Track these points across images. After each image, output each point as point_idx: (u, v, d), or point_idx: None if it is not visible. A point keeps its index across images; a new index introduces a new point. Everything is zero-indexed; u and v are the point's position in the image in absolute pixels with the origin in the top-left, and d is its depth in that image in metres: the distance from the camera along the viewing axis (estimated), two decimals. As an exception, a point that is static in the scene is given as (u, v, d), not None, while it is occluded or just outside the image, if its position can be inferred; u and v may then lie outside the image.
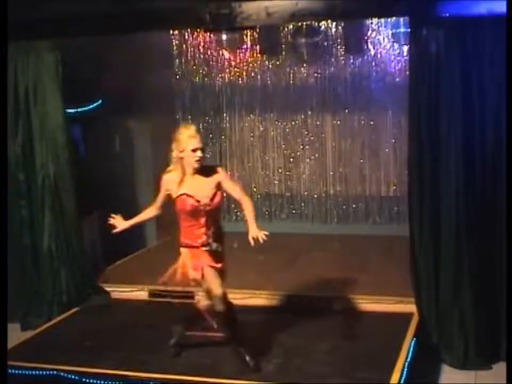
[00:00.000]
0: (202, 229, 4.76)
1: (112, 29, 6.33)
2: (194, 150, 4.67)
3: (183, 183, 4.76)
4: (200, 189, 4.72)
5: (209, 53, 8.93)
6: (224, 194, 4.91)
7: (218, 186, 4.75)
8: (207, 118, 9.11)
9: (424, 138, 5.53)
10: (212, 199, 4.71)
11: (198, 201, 4.69)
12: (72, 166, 6.66)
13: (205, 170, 4.77)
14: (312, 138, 8.82)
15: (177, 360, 5.04)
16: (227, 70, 8.93)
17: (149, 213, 5.06)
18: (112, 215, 4.90)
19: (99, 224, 8.73)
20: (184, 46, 8.96)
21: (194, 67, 9.01)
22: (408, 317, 5.69)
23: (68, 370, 4.92)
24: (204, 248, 4.77)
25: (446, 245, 5.54)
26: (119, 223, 4.91)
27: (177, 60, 9.01)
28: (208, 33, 8.59)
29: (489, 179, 5.44)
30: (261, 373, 4.77)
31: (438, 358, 5.55)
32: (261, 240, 4.47)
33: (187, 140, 4.69)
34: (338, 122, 8.72)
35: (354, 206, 8.78)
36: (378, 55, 8.36)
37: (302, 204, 8.99)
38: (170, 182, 4.83)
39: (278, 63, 8.74)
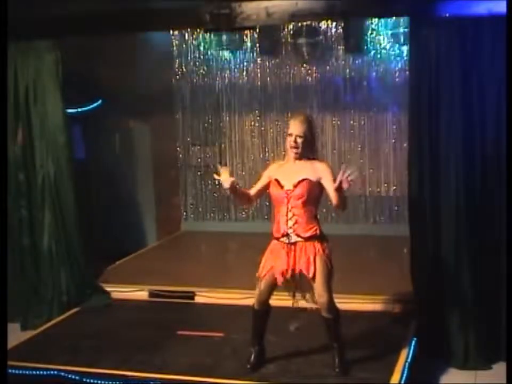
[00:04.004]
0: (283, 217, 4.63)
1: (112, 29, 6.33)
2: (290, 135, 4.64)
3: (281, 168, 4.72)
4: (291, 176, 4.62)
5: (209, 53, 8.93)
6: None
7: (315, 178, 4.59)
8: (207, 118, 9.11)
9: (424, 138, 5.53)
10: (295, 186, 4.58)
11: (282, 187, 4.62)
12: (72, 166, 6.66)
13: (310, 160, 4.66)
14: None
15: (177, 360, 5.03)
16: (227, 70, 8.94)
17: (248, 192, 4.86)
18: (218, 170, 4.61)
19: (99, 224, 8.76)
20: (184, 46, 8.97)
21: (194, 67, 9.01)
22: (408, 317, 5.69)
23: (68, 370, 4.91)
24: (283, 240, 4.63)
25: (446, 245, 5.54)
26: (225, 179, 4.56)
27: (177, 60, 9.01)
28: (208, 33, 8.60)
29: (489, 179, 5.44)
30: (261, 373, 4.76)
31: (438, 358, 5.55)
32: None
33: (290, 124, 4.69)
34: (338, 122, 8.72)
35: (354, 206, 8.78)
36: (378, 55, 8.36)
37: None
38: (273, 168, 4.79)
39: (278, 63, 8.74)
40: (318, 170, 4.62)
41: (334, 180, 4.45)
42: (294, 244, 4.61)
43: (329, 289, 4.59)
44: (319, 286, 4.57)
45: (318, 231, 4.62)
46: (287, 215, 4.61)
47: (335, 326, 4.74)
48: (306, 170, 4.62)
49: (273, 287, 4.71)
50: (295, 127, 4.64)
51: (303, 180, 4.57)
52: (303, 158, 4.65)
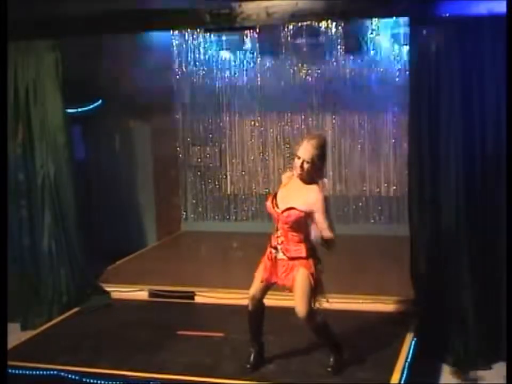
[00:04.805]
0: (275, 232, 4.67)
1: (112, 29, 6.33)
2: (298, 157, 4.52)
3: (286, 183, 4.70)
4: (285, 199, 4.59)
5: (209, 53, 8.93)
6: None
7: (305, 208, 4.51)
8: (207, 118, 9.11)
9: (424, 138, 5.53)
10: (283, 212, 4.55)
11: (277, 206, 4.59)
12: (72, 166, 6.66)
13: (309, 185, 4.57)
14: (312, 138, 8.82)
15: (177, 360, 5.03)
16: (227, 70, 8.94)
17: None
18: None
19: (99, 224, 8.76)
20: (184, 46, 8.97)
21: (194, 67, 9.01)
22: (408, 317, 5.69)
23: (68, 370, 4.91)
24: (273, 251, 4.67)
25: (446, 245, 5.54)
26: None
27: (177, 60, 9.01)
28: (208, 33, 8.60)
29: (489, 179, 5.44)
30: (261, 373, 4.76)
31: (438, 358, 5.55)
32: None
33: (302, 145, 4.53)
34: (338, 122, 8.72)
35: (354, 206, 8.78)
36: (378, 55, 8.36)
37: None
38: (283, 178, 4.78)
39: (278, 63, 8.74)
40: (311, 201, 4.49)
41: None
42: (281, 259, 4.65)
43: (307, 305, 4.56)
44: (297, 300, 4.58)
45: (303, 253, 4.59)
46: (277, 232, 4.65)
47: (318, 334, 4.77)
48: (300, 198, 4.54)
49: (265, 289, 4.75)
50: (305, 152, 4.49)
51: (291, 208, 4.54)
52: (306, 181, 4.57)
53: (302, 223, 4.56)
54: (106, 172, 9.06)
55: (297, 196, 4.55)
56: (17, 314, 6.49)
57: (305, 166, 4.49)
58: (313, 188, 4.54)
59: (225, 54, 8.85)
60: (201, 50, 8.95)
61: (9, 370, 4.76)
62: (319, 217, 4.46)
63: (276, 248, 4.65)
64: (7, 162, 6.17)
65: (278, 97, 8.80)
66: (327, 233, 4.44)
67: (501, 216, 5.37)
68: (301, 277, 4.56)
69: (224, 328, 5.57)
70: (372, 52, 8.35)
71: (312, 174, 4.54)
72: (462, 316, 5.52)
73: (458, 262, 5.50)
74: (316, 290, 4.61)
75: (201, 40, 8.89)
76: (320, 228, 4.47)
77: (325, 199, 4.51)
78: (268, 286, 4.75)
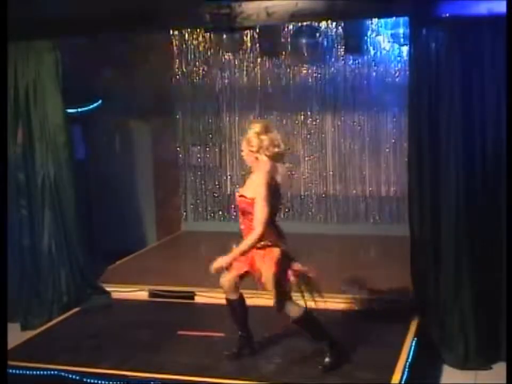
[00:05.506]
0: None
1: (112, 29, 6.33)
2: (241, 150, 4.76)
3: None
4: (245, 186, 4.75)
5: (209, 53, 8.93)
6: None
7: (252, 195, 4.61)
8: (207, 118, 9.11)
9: (424, 138, 5.53)
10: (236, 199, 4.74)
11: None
12: (72, 166, 6.66)
13: (257, 172, 4.68)
14: (312, 138, 8.83)
15: (177, 360, 5.03)
16: (227, 70, 8.93)
17: None
18: None
19: (99, 224, 8.76)
20: (184, 46, 8.96)
21: (194, 67, 9.01)
22: (408, 317, 5.69)
23: (68, 370, 4.91)
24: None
25: (446, 245, 5.54)
26: None
27: (177, 60, 9.01)
28: (208, 33, 8.59)
29: (489, 179, 5.44)
30: (261, 373, 4.77)
31: (438, 358, 5.55)
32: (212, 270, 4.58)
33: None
34: (339, 122, 8.72)
35: (354, 206, 8.78)
36: (378, 55, 8.36)
37: (302, 204, 8.98)
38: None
39: (278, 63, 8.74)
40: (255, 189, 4.58)
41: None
42: None
43: (277, 290, 4.57)
44: (267, 286, 4.59)
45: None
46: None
47: (301, 326, 4.78)
48: (251, 186, 4.66)
49: (237, 278, 4.81)
50: (245, 142, 4.70)
51: (241, 196, 4.66)
52: (255, 168, 4.68)
53: (246, 211, 4.64)
54: (106, 172, 9.06)
55: (249, 186, 4.68)
56: (17, 314, 6.49)
57: (246, 155, 4.67)
58: (258, 174, 4.62)
59: (225, 54, 8.85)
60: (201, 50, 8.96)
61: (9, 370, 4.74)
62: (257, 204, 4.52)
63: (241, 236, 4.72)
64: (7, 162, 6.18)
65: (278, 97, 8.80)
66: (256, 227, 4.48)
67: (501, 216, 5.37)
68: (265, 266, 4.58)
69: (224, 328, 5.56)
70: (372, 52, 8.35)
71: (256, 162, 4.65)
72: (462, 316, 5.52)
73: (458, 262, 5.50)
74: (281, 279, 4.59)
75: (201, 40, 8.89)
76: (254, 217, 4.52)
77: (270, 186, 4.55)
78: (241, 276, 4.80)
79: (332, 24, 8.28)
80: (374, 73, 8.42)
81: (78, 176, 6.85)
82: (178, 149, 9.20)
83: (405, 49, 7.79)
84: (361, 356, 4.99)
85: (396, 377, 4.65)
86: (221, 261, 4.62)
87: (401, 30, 7.76)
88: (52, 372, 4.92)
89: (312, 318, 4.76)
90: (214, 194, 9.21)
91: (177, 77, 9.04)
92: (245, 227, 4.68)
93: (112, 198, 9.03)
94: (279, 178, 4.69)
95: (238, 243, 4.64)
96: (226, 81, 8.97)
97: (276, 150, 4.69)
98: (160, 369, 4.87)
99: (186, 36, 8.89)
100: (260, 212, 4.51)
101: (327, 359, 4.79)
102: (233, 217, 9.14)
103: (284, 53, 8.63)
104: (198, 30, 8.62)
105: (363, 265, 7.17)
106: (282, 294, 4.61)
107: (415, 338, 5.33)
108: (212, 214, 9.27)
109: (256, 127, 4.68)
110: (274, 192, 4.62)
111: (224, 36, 8.25)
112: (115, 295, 6.66)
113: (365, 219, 8.76)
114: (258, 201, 4.52)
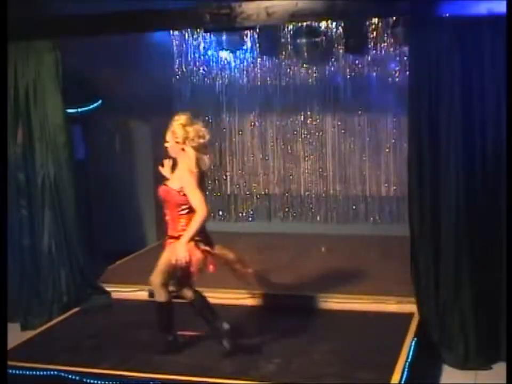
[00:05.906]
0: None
1: (112, 29, 6.33)
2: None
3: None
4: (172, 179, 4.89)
5: (209, 53, 8.93)
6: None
7: (177, 187, 4.79)
8: (207, 118, 9.11)
9: (424, 138, 5.53)
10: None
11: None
12: (72, 166, 6.66)
13: (183, 167, 4.82)
14: (312, 138, 8.83)
15: (177, 360, 5.03)
16: (227, 70, 8.93)
17: None
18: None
19: (99, 224, 8.76)
20: (184, 46, 8.96)
21: (194, 67, 9.01)
22: (408, 317, 5.69)
23: (68, 370, 4.91)
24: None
25: (446, 245, 5.54)
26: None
27: (177, 60, 9.01)
28: (208, 33, 8.60)
29: (489, 179, 5.44)
30: (261, 373, 4.77)
31: (438, 358, 5.55)
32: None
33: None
34: (339, 122, 8.73)
35: (354, 206, 8.79)
36: (378, 55, 8.36)
37: (302, 204, 8.99)
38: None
39: (278, 63, 8.74)
40: (183, 178, 4.72)
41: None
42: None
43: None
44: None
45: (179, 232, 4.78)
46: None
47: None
48: (176, 177, 4.82)
49: (166, 272, 4.91)
50: (168, 135, 4.90)
51: (164, 185, 4.83)
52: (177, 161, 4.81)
53: (176, 201, 4.78)
54: (106, 172, 9.05)
55: (175, 175, 4.87)
56: (17, 314, 6.49)
57: (171, 146, 4.85)
58: (183, 165, 4.80)
59: (225, 54, 8.85)
60: (201, 50, 8.96)
61: (9, 370, 4.75)
62: (189, 190, 4.67)
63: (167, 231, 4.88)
64: (7, 162, 6.18)
65: (278, 97, 8.80)
66: (197, 209, 4.60)
67: (501, 216, 5.37)
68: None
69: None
70: (372, 52, 8.35)
71: (181, 153, 4.80)
72: (462, 316, 5.52)
73: (458, 262, 5.50)
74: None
75: (201, 40, 8.89)
76: (192, 201, 4.64)
77: (195, 174, 4.72)
78: (168, 271, 4.92)
79: (332, 24, 8.29)
80: (374, 73, 8.42)
81: (78, 176, 6.84)
82: (178, 149, 9.19)
83: (405, 49, 7.78)
84: (361, 356, 4.99)
85: (396, 377, 4.65)
86: (180, 255, 4.68)
87: (401, 30, 7.76)
88: (52, 372, 4.92)
89: (205, 302, 4.97)
90: (214, 194, 9.21)
91: (177, 77, 9.05)
92: (170, 217, 4.82)
93: (112, 198, 9.01)
94: (204, 168, 4.83)
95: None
96: (226, 81, 8.97)
97: (201, 140, 4.81)
98: (160, 369, 4.87)
99: (186, 35, 8.90)
100: (194, 196, 4.65)
101: (225, 342, 4.88)
102: (233, 217, 9.16)
103: (283, 53, 8.64)
104: (198, 30, 8.63)
105: (363, 265, 7.16)
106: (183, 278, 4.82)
107: (415, 338, 5.33)
108: (212, 214, 9.26)
109: (181, 119, 4.82)
110: (200, 180, 4.78)
111: (224, 36, 8.28)
112: (115, 295, 6.66)
113: (365, 219, 8.77)
114: (188, 189, 4.66)
